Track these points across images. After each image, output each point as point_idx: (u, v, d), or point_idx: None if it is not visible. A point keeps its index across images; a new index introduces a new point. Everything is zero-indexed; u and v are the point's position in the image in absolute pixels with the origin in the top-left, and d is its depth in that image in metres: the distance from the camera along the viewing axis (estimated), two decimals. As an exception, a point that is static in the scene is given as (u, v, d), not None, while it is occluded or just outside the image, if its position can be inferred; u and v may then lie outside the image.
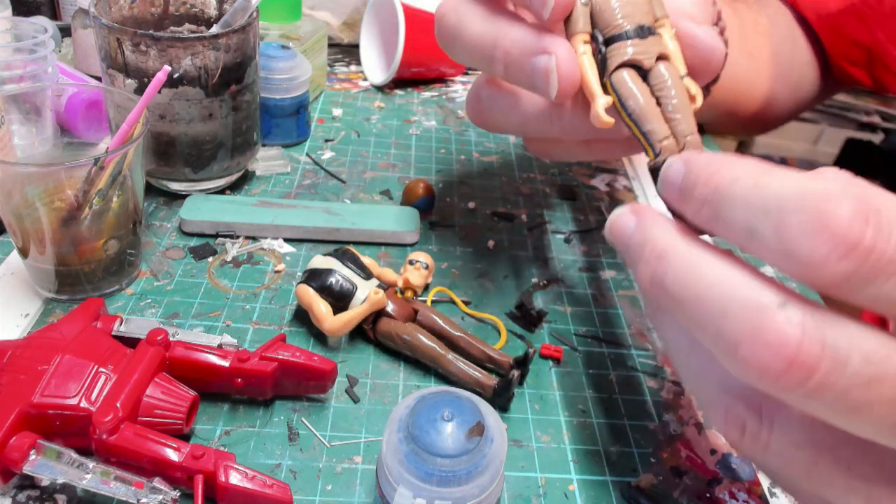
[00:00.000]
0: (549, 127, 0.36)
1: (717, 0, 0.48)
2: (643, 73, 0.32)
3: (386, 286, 0.43)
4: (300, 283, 0.42)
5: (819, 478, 0.24)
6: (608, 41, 0.32)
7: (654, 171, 0.30)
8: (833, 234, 0.20)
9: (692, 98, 0.32)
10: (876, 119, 2.30)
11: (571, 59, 0.31)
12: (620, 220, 0.27)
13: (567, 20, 0.32)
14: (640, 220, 0.26)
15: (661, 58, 0.32)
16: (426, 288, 0.46)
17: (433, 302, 0.45)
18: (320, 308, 0.40)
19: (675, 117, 0.31)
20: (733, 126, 0.70)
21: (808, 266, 0.21)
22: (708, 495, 0.35)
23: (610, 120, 0.31)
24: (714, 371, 0.25)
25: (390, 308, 0.41)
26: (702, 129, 0.70)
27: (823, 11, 0.66)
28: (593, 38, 0.32)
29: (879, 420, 0.21)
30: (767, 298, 0.21)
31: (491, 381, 0.38)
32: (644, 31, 0.32)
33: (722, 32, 0.46)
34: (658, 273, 0.24)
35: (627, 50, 0.32)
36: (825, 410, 0.21)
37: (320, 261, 0.42)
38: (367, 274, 0.42)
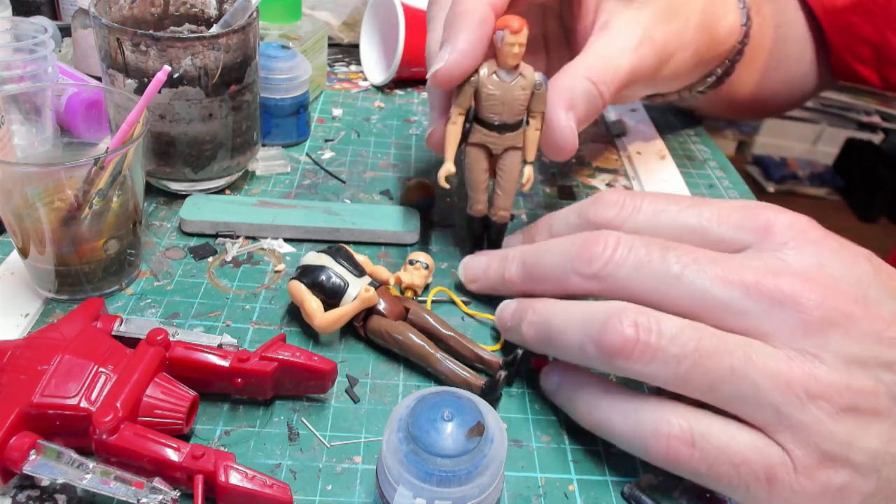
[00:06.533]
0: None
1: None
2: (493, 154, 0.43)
3: (378, 284, 0.43)
4: (292, 278, 0.42)
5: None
6: (476, 120, 0.43)
7: (469, 219, 0.47)
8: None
9: (524, 184, 0.44)
10: (876, 119, 2.30)
11: (439, 132, 0.44)
12: (505, 306, 0.40)
13: (457, 90, 0.42)
14: (519, 301, 0.39)
15: (513, 147, 0.43)
16: (426, 288, 0.46)
17: (433, 302, 0.45)
18: (311, 304, 0.40)
19: (498, 193, 0.45)
20: (722, 110, 0.72)
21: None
22: (708, 495, 0.35)
23: (447, 185, 0.44)
24: (635, 410, 0.34)
25: (381, 306, 0.41)
26: (699, 119, 0.72)
27: (829, 6, 0.65)
28: (468, 112, 0.43)
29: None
30: (604, 309, 0.33)
31: (479, 381, 0.38)
32: (504, 128, 0.42)
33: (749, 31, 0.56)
34: (532, 319, 0.37)
35: (483, 137, 0.43)
36: (664, 376, 0.31)
37: (313, 257, 0.42)
38: (359, 271, 0.42)
